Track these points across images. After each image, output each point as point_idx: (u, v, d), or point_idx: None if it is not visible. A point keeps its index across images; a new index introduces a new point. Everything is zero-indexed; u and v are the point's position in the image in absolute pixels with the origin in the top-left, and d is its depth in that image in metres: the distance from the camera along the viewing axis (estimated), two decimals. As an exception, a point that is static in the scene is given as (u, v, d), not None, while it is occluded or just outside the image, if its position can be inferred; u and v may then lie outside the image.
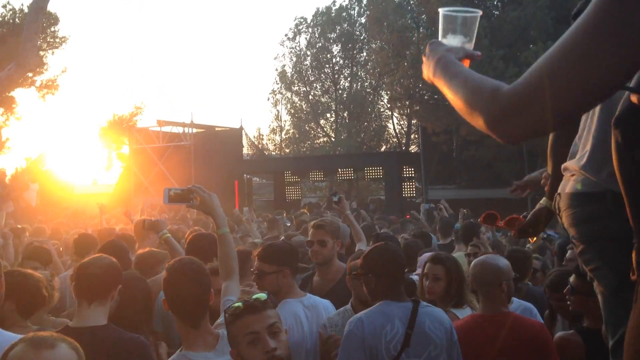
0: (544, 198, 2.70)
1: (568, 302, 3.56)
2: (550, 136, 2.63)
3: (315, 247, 4.24)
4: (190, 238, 4.58)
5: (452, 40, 1.60)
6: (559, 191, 2.32)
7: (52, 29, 24.07)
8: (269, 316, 2.31)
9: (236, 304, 2.35)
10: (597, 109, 2.12)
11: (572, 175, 2.20)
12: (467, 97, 1.25)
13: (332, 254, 4.29)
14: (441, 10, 1.65)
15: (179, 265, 2.83)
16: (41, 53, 22.45)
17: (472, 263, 3.52)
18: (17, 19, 22.42)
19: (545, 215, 2.68)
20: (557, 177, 2.50)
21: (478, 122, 1.21)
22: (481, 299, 3.34)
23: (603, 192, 2.00)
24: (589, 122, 2.19)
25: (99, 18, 77.23)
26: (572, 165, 2.22)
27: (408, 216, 11.24)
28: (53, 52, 24.57)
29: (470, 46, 1.62)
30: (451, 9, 1.66)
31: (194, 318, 2.68)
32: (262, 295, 2.38)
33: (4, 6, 23.18)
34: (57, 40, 24.35)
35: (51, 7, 23.82)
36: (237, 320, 2.29)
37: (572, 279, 3.53)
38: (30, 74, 21.81)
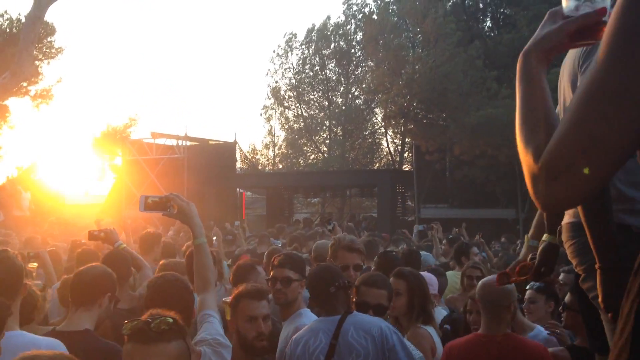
0: (545, 234, 2.66)
1: (562, 318, 3.62)
2: None
3: (351, 271, 3.99)
4: (189, 252, 4.49)
5: (570, 3, 1.29)
6: (561, 223, 2.38)
7: (49, 39, 24.08)
8: (157, 354, 1.87)
9: (134, 322, 1.95)
10: None
11: None
12: (521, 136, 1.20)
13: None
14: None
15: (161, 282, 2.80)
16: (37, 63, 22.44)
17: (480, 283, 3.49)
18: (14, 29, 22.43)
19: (551, 250, 2.63)
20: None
21: (526, 166, 1.14)
22: (486, 319, 3.33)
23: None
24: None
25: (96, 29, 77.47)
26: None
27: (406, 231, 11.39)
28: (49, 62, 24.56)
29: (594, 6, 1.27)
30: None
31: None
32: (167, 320, 1.93)
33: (1, 15, 23.17)
34: (53, 50, 24.35)
35: (48, 18, 23.88)
36: (126, 344, 1.94)
37: (567, 296, 3.56)
38: (24, 83, 21.78)
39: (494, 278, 3.47)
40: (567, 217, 2.27)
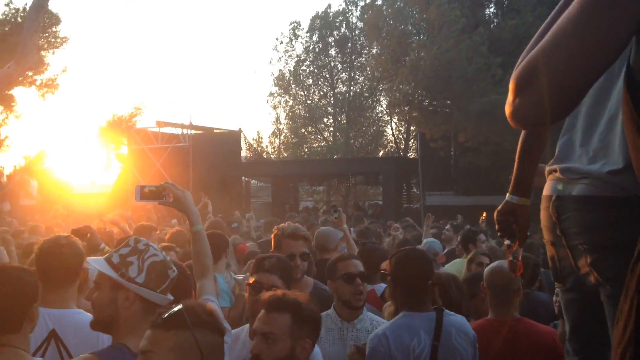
0: (512, 196, 2.48)
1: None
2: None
3: (297, 261, 3.62)
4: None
5: None
6: (554, 193, 2.18)
7: (54, 29, 24.08)
8: (152, 340, 1.82)
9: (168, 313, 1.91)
10: (606, 110, 2.02)
11: (581, 177, 2.06)
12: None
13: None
14: None
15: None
16: (42, 53, 22.46)
17: (488, 269, 3.54)
18: (19, 18, 22.42)
19: (527, 213, 2.50)
20: (528, 172, 2.43)
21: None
22: (496, 304, 3.38)
23: (630, 197, 1.86)
24: (590, 121, 2.10)
25: (100, 19, 77.20)
26: (580, 169, 2.08)
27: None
28: (54, 52, 24.58)
29: None
30: None
31: None
32: (173, 308, 1.88)
33: (7, 4, 23.17)
34: (58, 40, 24.36)
35: (53, 7, 23.85)
36: None
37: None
38: (30, 73, 21.81)
39: (500, 263, 3.49)
40: (583, 189, 2.07)
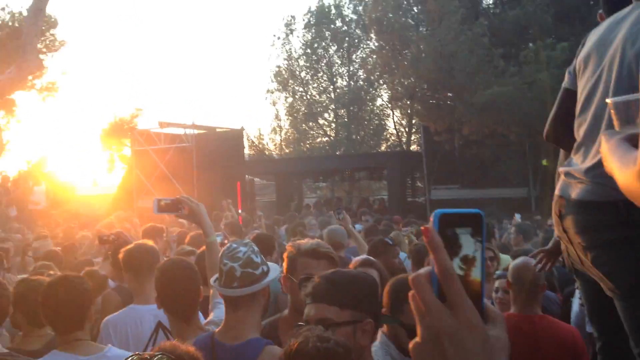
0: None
1: None
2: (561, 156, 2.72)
3: None
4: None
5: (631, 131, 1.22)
6: (560, 194, 2.39)
7: (51, 32, 24.04)
8: None
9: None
10: (607, 117, 2.13)
11: (580, 182, 2.26)
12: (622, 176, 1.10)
13: None
14: (610, 101, 1.24)
15: (170, 265, 3.06)
16: (41, 56, 22.45)
17: (513, 264, 3.54)
18: (16, 23, 22.40)
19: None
20: None
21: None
22: (522, 300, 3.37)
23: (615, 201, 2.01)
24: (595, 130, 2.22)
25: (97, 21, 77.26)
26: (577, 172, 2.26)
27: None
28: (53, 55, 24.54)
29: None
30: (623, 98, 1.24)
31: (186, 314, 2.84)
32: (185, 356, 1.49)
33: (3, 9, 23.13)
34: (57, 43, 24.33)
35: (50, 11, 23.80)
36: None
37: None
38: (30, 77, 21.80)
39: (526, 259, 3.48)
40: (579, 193, 2.24)
